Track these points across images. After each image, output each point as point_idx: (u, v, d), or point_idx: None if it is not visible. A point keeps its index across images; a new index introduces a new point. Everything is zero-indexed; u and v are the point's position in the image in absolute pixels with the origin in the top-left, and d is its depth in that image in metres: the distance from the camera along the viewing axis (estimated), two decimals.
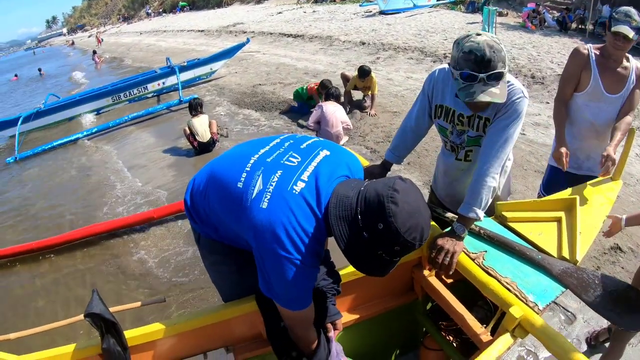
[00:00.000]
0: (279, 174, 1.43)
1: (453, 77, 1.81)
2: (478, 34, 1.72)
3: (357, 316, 2.05)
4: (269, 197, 1.39)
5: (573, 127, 2.88)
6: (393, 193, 1.27)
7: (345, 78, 8.35)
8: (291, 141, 1.60)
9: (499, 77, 1.71)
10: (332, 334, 1.65)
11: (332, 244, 1.66)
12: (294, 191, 1.39)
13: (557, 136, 2.82)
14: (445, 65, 2.06)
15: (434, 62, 10.98)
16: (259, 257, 1.42)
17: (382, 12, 21.07)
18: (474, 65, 1.69)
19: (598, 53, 2.73)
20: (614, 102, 2.72)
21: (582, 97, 2.79)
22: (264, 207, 1.38)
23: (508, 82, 1.85)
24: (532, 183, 4.51)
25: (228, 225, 1.56)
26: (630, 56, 2.70)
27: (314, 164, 1.47)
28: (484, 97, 1.70)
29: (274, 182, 1.41)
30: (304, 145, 1.57)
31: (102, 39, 39.60)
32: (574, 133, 2.88)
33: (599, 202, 2.20)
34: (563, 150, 2.64)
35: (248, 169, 1.48)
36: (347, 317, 2.02)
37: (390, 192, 1.27)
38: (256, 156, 1.53)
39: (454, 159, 2.21)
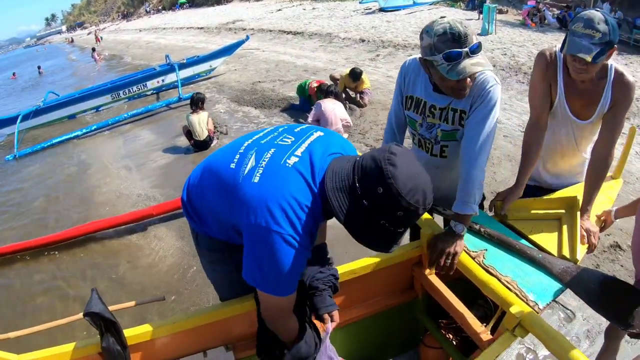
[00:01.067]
0: (272, 151, 1.41)
1: (434, 66, 1.75)
2: (442, 17, 1.71)
3: (357, 314, 2.05)
4: (261, 171, 1.36)
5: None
6: (390, 156, 1.22)
7: (333, 79, 8.17)
8: (285, 127, 1.59)
9: (479, 47, 1.70)
10: (329, 325, 1.59)
11: (331, 239, 1.66)
12: (287, 164, 1.36)
13: (519, 175, 2.18)
14: (417, 55, 2.03)
15: None
16: (248, 239, 1.37)
17: (381, 9, 21.09)
18: (454, 43, 1.66)
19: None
20: (587, 128, 2.15)
21: (549, 119, 2.20)
22: (255, 181, 1.34)
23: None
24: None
25: (222, 216, 1.52)
26: (609, 64, 1.98)
27: (307, 142, 1.44)
28: (476, 68, 1.68)
29: (266, 158, 1.39)
30: (298, 129, 1.55)
31: (102, 37, 39.03)
32: (541, 154, 2.29)
33: (599, 201, 2.19)
34: (511, 198, 2.15)
35: (241, 151, 1.47)
36: (347, 315, 2.02)
37: (387, 155, 1.23)
38: (250, 140, 1.52)
39: (429, 155, 2.14)
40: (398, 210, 1.20)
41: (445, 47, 1.66)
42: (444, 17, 1.70)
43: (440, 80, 1.79)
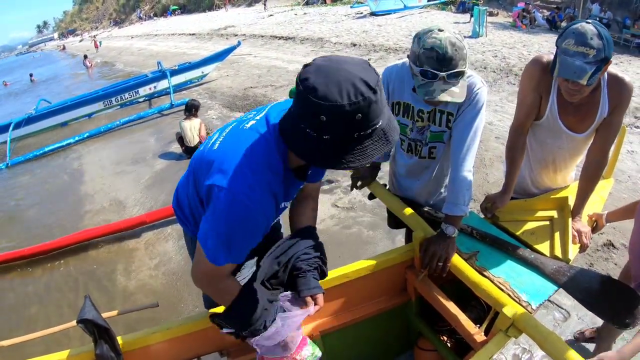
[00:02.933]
0: (234, 124, 1.42)
1: (412, 73, 1.77)
2: (440, 30, 1.68)
3: (350, 318, 2.04)
4: (220, 139, 1.37)
5: (528, 158, 2.23)
6: (305, 65, 1.12)
7: None
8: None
9: (459, 75, 1.68)
10: (311, 308, 1.52)
11: (324, 241, 1.65)
12: (244, 128, 1.35)
13: (506, 180, 2.15)
14: (398, 62, 2.05)
15: None
16: (207, 203, 1.33)
17: (372, 14, 21.18)
18: (435, 63, 1.65)
19: None
20: (581, 141, 2.05)
21: (538, 129, 2.11)
22: (214, 148, 1.35)
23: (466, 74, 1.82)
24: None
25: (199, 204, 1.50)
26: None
27: (266, 109, 1.41)
28: (443, 97, 1.67)
29: (227, 129, 1.41)
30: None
31: (100, 43, 37.55)
32: (528, 165, 2.26)
33: (591, 200, 2.21)
34: (499, 204, 2.12)
35: (215, 136, 1.45)
36: (340, 319, 2.02)
37: (304, 65, 1.13)
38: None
39: (417, 157, 2.14)
40: (320, 114, 1.05)
41: (426, 63, 1.67)
42: (442, 30, 1.67)
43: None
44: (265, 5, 36.95)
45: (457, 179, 1.88)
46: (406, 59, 1.89)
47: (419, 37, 1.71)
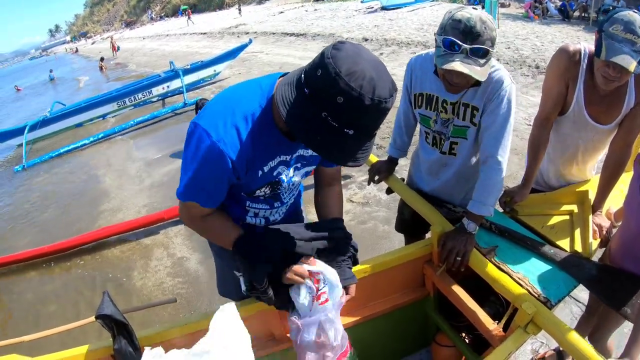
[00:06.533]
0: None
1: (436, 45, 1.67)
2: (475, 8, 1.61)
3: (368, 313, 2.03)
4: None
5: (551, 150, 2.17)
6: (337, 43, 1.10)
7: None
8: None
9: (484, 54, 1.58)
10: (343, 299, 1.52)
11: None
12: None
13: (526, 174, 2.13)
14: (422, 52, 2.00)
15: None
16: None
17: (383, 8, 21.08)
18: (461, 34, 1.55)
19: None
20: (606, 133, 1.99)
21: (563, 122, 2.05)
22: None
23: (493, 67, 1.75)
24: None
25: None
26: None
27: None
28: (461, 67, 1.56)
29: None
30: None
31: (119, 47, 33.73)
32: (550, 156, 2.21)
33: (612, 195, 2.15)
34: (519, 198, 2.10)
35: None
36: (358, 314, 2.01)
37: (335, 43, 1.10)
38: None
39: (439, 152, 2.08)
40: (337, 95, 1.03)
41: (451, 33, 1.57)
42: (476, 8, 1.62)
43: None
44: (240, 10, 37.61)
45: (489, 179, 1.83)
46: (431, 50, 1.84)
47: (449, 11, 1.63)
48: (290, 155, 1.43)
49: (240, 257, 1.44)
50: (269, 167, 1.39)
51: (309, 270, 1.44)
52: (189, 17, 42.69)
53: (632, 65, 1.59)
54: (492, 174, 1.81)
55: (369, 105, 1.04)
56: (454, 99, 1.87)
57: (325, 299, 1.44)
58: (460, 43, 1.55)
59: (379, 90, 1.04)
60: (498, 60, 8.32)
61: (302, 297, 1.45)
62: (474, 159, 2.06)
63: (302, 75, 1.11)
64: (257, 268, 1.42)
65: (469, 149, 2.00)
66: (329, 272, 1.47)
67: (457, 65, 1.56)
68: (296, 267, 1.43)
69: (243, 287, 1.48)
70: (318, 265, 1.46)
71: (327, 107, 1.05)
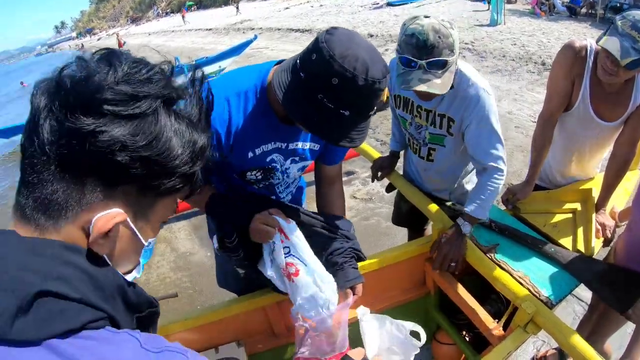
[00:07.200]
0: None
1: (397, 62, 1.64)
2: (426, 17, 1.55)
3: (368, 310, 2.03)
4: None
5: (555, 147, 2.14)
6: (331, 29, 1.15)
7: None
8: None
9: (442, 65, 1.53)
10: (350, 299, 1.53)
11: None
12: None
13: (529, 172, 2.14)
14: None
15: None
16: None
17: (389, 4, 21.04)
18: (415, 50, 1.51)
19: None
20: (611, 130, 1.97)
21: (568, 119, 2.03)
22: None
23: (469, 80, 1.71)
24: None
25: None
26: None
27: None
28: (420, 86, 1.53)
29: None
30: None
31: (125, 42, 34.76)
32: (555, 154, 2.20)
33: (616, 193, 2.12)
34: (522, 196, 2.12)
35: None
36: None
37: (329, 29, 1.15)
38: None
39: (418, 156, 2.10)
40: (332, 77, 1.07)
41: (406, 50, 1.55)
42: (428, 17, 1.54)
43: None
44: (237, 8, 37.72)
45: (488, 183, 1.80)
46: None
47: (403, 24, 1.59)
48: (286, 143, 1.43)
49: (211, 214, 1.48)
50: (261, 150, 1.40)
51: (278, 221, 1.40)
52: (183, 17, 42.89)
53: (624, 60, 1.59)
54: (492, 180, 1.79)
55: (363, 86, 1.08)
56: (429, 106, 1.85)
57: (295, 271, 1.40)
58: (416, 60, 1.53)
59: (372, 71, 1.08)
60: (504, 56, 8.17)
61: (273, 254, 1.42)
62: (452, 167, 2.07)
63: (298, 61, 1.16)
64: (225, 224, 1.44)
65: (447, 156, 1.99)
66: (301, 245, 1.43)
67: (415, 84, 1.54)
68: (262, 216, 1.40)
69: (215, 245, 1.48)
70: (288, 220, 1.43)
71: (322, 89, 1.10)
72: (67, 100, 0.54)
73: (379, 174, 2.35)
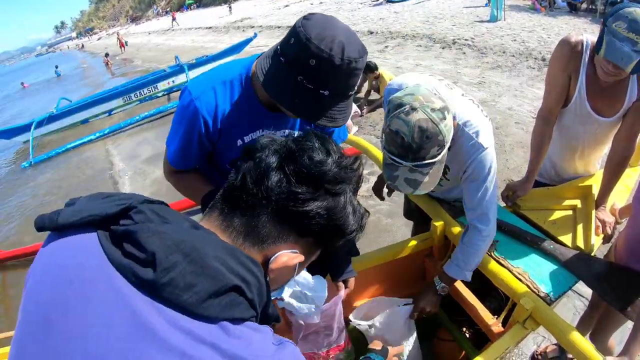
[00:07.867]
0: None
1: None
2: (413, 108, 1.34)
3: None
4: None
5: (555, 143, 2.14)
6: (308, 15, 1.18)
7: None
8: None
9: (429, 165, 1.40)
10: (342, 292, 1.53)
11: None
12: None
13: (529, 168, 2.12)
14: (395, 82, 1.76)
15: (442, 48, 10.86)
16: None
17: (389, 1, 21.02)
18: (400, 148, 1.37)
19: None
20: (609, 126, 1.97)
21: (565, 114, 2.03)
22: None
23: (471, 139, 1.55)
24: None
25: None
26: None
27: None
28: (405, 188, 1.44)
29: None
30: None
31: (126, 42, 33.58)
32: (555, 150, 2.20)
33: (616, 190, 2.11)
34: (521, 193, 2.11)
35: None
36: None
37: (306, 15, 1.19)
38: None
39: None
40: (309, 58, 1.11)
41: (390, 145, 1.41)
42: (415, 109, 1.34)
43: None
44: (230, 8, 37.69)
45: (471, 244, 1.68)
46: (404, 81, 1.69)
47: (389, 109, 1.44)
48: (274, 131, 1.44)
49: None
50: (250, 138, 1.43)
51: None
52: (173, 18, 42.83)
53: (629, 66, 1.57)
54: (475, 241, 1.68)
55: (340, 65, 1.12)
56: None
57: None
58: (400, 161, 1.40)
59: (348, 51, 1.12)
60: (504, 52, 8.09)
61: None
62: (459, 186, 1.91)
63: (278, 47, 1.20)
64: None
65: (452, 184, 1.91)
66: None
67: (401, 184, 1.45)
68: None
69: None
70: None
71: (301, 71, 1.14)
72: (301, 171, 0.72)
73: (386, 190, 2.31)
